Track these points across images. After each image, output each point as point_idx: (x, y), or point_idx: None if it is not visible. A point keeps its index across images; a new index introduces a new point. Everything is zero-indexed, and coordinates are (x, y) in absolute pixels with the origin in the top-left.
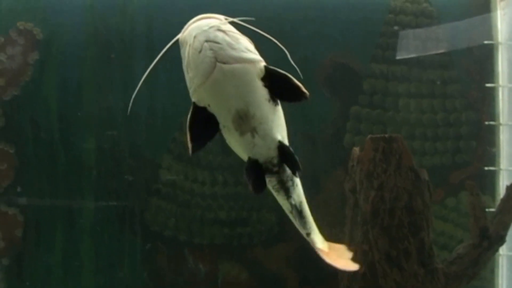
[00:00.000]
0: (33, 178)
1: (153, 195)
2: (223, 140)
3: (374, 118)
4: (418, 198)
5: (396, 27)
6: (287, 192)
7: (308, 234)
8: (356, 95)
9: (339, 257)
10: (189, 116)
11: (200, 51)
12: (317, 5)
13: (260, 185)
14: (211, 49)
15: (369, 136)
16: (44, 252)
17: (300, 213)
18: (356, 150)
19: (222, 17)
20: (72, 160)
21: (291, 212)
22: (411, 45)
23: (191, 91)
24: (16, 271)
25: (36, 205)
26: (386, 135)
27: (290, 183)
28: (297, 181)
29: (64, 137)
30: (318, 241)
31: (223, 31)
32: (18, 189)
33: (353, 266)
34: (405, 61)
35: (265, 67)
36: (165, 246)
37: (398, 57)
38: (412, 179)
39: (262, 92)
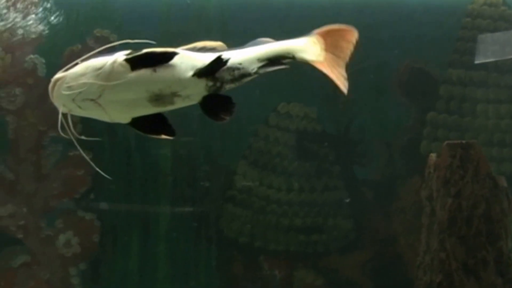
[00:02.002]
0: (109, 184)
1: (228, 201)
2: (298, 147)
3: (451, 124)
4: (496, 206)
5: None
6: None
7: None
8: (433, 101)
9: (334, 68)
10: None
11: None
12: (393, 10)
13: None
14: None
15: (446, 142)
16: (120, 258)
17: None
18: (433, 156)
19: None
20: (148, 166)
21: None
22: (489, 50)
23: None
24: (92, 276)
25: (113, 211)
26: (463, 142)
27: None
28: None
29: (140, 143)
30: (310, 54)
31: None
32: (95, 195)
33: (344, 83)
34: (483, 66)
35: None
36: (240, 253)
37: (476, 62)
38: (490, 186)
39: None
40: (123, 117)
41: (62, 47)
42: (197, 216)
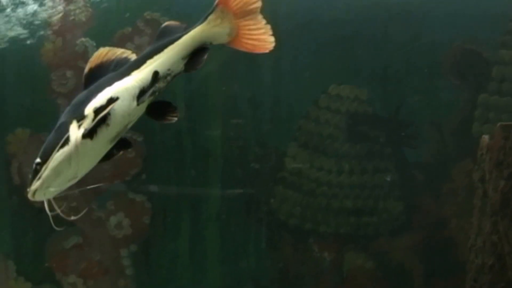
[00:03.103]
0: (160, 166)
1: (279, 183)
2: (348, 129)
3: (503, 106)
4: None
5: None
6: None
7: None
8: (484, 82)
9: (251, 33)
10: None
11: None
12: None
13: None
14: None
15: (499, 123)
16: (170, 239)
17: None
18: (485, 138)
19: None
20: (199, 148)
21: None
22: None
23: None
24: (143, 257)
25: (163, 193)
26: None
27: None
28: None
29: (190, 125)
30: (222, 34)
31: None
32: (146, 177)
33: (269, 41)
34: None
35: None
36: (290, 235)
37: None
38: None
39: None
40: (90, 166)
41: (113, 30)
42: (248, 198)
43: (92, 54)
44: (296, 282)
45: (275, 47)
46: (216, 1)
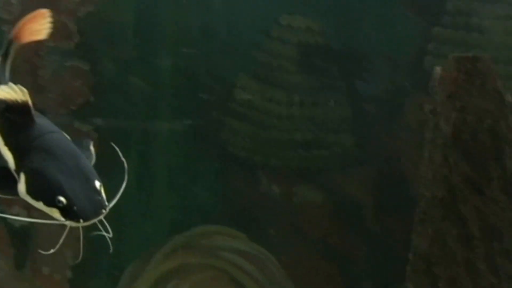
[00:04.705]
0: (108, 96)
1: (228, 115)
2: (299, 60)
3: (457, 40)
4: (502, 121)
5: None
6: None
7: None
8: (439, 15)
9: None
10: None
11: None
12: None
13: None
14: None
15: (452, 55)
16: (117, 172)
17: None
18: (438, 70)
19: None
20: (147, 78)
21: None
22: None
23: None
24: None
25: (111, 124)
26: (470, 55)
27: None
28: None
29: (139, 55)
30: None
31: None
32: (93, 107)
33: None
34: None
35: None
36: (240, 167)
37: None
38: (496, 101)
39: None
40: None
41: None
42: (196, 129)
43: None
44: (245, 215)
45: None
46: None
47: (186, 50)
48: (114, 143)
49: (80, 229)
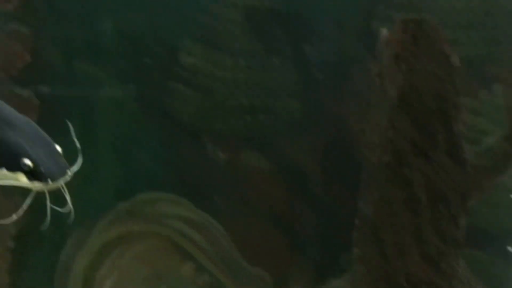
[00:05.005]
0: (48, 60)
1: (173, 80)
2: (245, 23)
3: (404, 3)
4: (448, 85)
5: None
6: None
7: None
8: None
9: None
10: None
11: None
12: None
13: None
14: None
15: (400, 18)
16: (59, 139)
17: None
18: (384, 32)
19: None
20: (90, 42)
21: None
22: None
23: None
24: None
25: (52, 90)
26: (417, 17)
27: None
28: None
29: (81, 18)
30: None
31: None
32: (33, 72)
33: None
34: None
35: None
36: (185, 133)
37: None
38: (443, 64)
39: None
40: None
41: None
42: (140, 94)
43: None
44: (190, 181)
45: None
46: None
47: (130, 13)
48: (55, 109)
49: (46, 192)
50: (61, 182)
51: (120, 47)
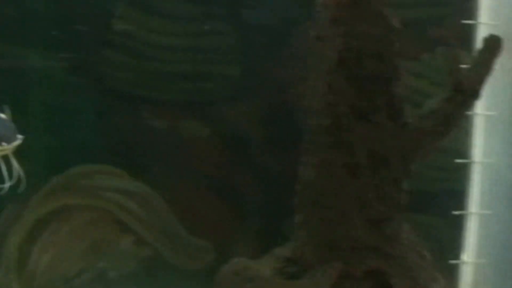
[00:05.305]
0: None
1: (106, 46)
2: None
3: None
4: (388, 47)
5: None
6: None
7: None
8: None
9: None
10: None
11: None
12: None
13: None
14: None
15: None
16: None
17: None
18: None
19: None
20: (20, 8)
21: None
22: None
23: None
24: None
25: None
26: None
27: None
28: None
29: None
30: None
31: None
32: None
33: None
34: None
35: None
36: (121, 102)
37: None
38: (382, 26)
39: None
40: None
41: None
42: (73, 62)
43: None
44: (127, 152)
45: None
46: None
47: None
48: None
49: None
50: (14, 145)
51: (50, 13)
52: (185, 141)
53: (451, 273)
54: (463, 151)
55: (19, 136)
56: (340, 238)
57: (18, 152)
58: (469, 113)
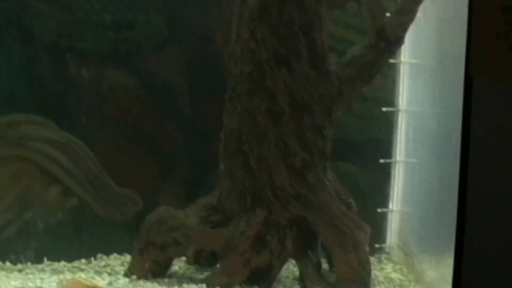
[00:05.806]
0: None
1: None
2: None
3: None
4: None
5: None
6: None
7: None
8: None
9: None
10: None
11: None
12: None
13: None
14: None
15: None
16: None
17: None
18: None
19: None
20: None
21: None
22: None
23: None
24: None
25: None
26: None
27: None
28: None
29: None
30: None
31: None
32: None
33: None
34: None
35: None
36: (46, 52)
37: None
38: None
39: None
40: None
41: None
42: None
43: None
44: (53, 102)
45: None
46: None
47: None
48: None
49: None
50: None
51: None
52: (111, 91)
53: (379, 221)
54: (389, 99)
55: None
56: (263, 185)
57: None
58: (394, 61)
